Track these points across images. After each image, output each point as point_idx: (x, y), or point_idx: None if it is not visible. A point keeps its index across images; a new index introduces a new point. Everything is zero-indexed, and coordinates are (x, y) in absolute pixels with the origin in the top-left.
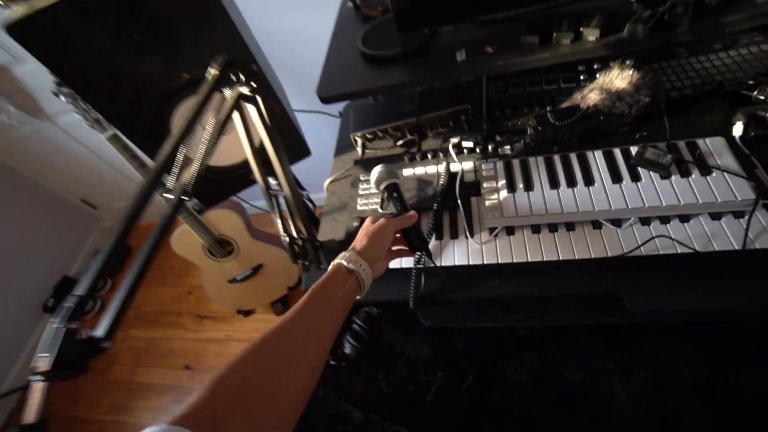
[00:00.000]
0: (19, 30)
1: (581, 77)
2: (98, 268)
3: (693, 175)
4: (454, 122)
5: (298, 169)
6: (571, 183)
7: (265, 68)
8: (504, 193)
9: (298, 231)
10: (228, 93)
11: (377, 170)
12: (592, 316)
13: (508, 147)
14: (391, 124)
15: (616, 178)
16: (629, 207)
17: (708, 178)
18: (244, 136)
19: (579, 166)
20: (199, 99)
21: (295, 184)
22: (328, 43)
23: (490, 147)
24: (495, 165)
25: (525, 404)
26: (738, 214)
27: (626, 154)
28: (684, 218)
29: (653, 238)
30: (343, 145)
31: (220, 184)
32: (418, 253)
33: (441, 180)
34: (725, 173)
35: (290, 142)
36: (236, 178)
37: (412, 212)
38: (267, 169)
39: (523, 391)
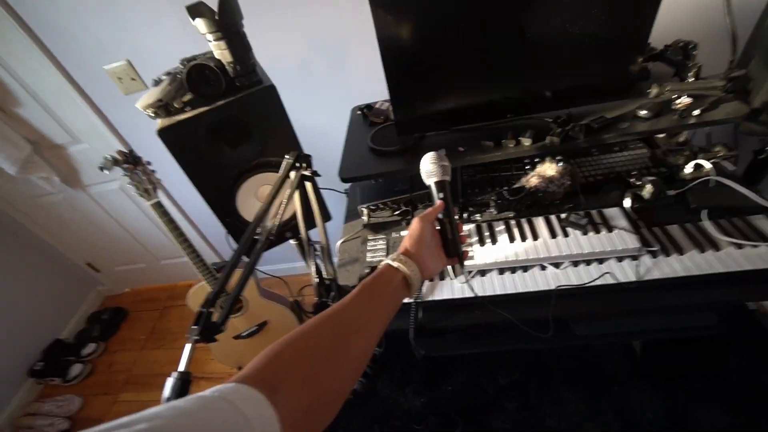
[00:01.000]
0: (165, 134)
1: (526, 167)
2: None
3: (602, 232)
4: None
5: (313, 233)
6: (524, 238)
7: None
8: (477, 247)
9: (328, 272)
10: (293, 174)
11: (429, 158)
12: (549, 341)
13: (478, 215)
14: (391, 198)
15: (553, 234)
16: (562, 254)
17: (612, 234)
18: (298, 204)
19: (528, 227)
20: (279, 178)
21: (326, 238)
22: (344, 140)
23: (465, 215)
24: (470, 229)
25: None
26: (633, 258)
27: (559, 219)
28: (600, 261)
29: (597, 278)
30: (352, 215)
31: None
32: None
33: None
34: (622, 231)
35: (321, 208)
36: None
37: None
38: (308, 225)
39: None
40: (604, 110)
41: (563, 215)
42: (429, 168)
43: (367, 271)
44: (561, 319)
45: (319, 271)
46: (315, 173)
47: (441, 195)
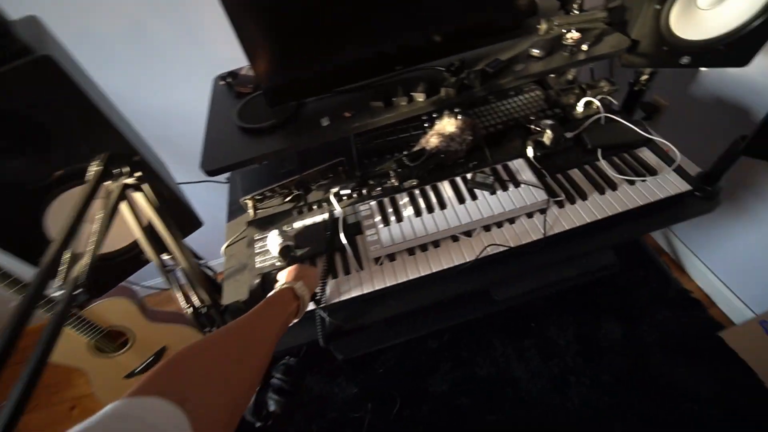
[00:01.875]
0: None
1: (425, 125)
2: None
3: (510, 189)
4: (333, 174)
5: (193, 239)
6: (430, 209)
7: (143, 152)
8: (381, 227)
9: (201, 300)
10: (113, 185)
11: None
12: (472, 312)
13: (379, 188)
14: (277, 183)
15: (461, 200)
16: (473, 219)
17: (520, 189)
18: (133, 222)
19: (434, 195)
20: (82, 196)
21: (191, 255)
22: (206, 120)
23: (364, 191)
24: (370, 205)
25: (453, 410)
26: (542, 211)
27: (465, 180)
28: (511, 221)
29: (490, 245)
30: (235, 210)
31: (106, 271)
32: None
33: (327, 226)
34: (529, 186)
35: (180, 216)
36: (124, 262)
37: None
38: (159, 246)
39: (448, 398)
40: (496, 53)
41: (469, 176)
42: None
43: (257, 281)
44: (479, 290)
45: (188, 301)
46: (142, 178)
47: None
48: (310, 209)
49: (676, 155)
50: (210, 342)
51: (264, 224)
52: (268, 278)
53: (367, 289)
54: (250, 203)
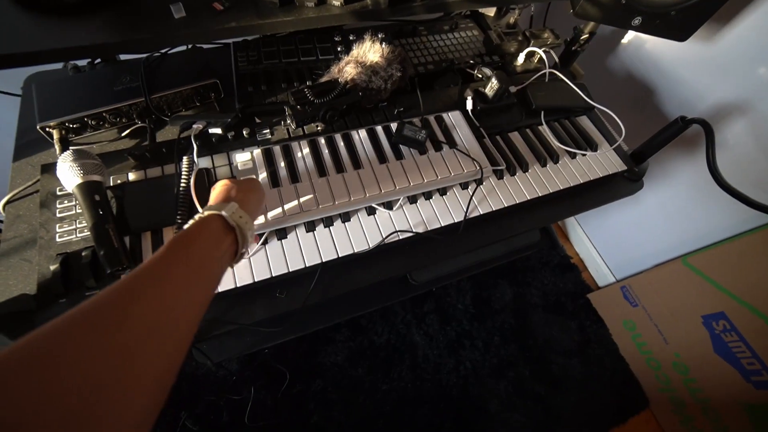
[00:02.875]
0: None
1: (338, 49)
2: None
3: (444, 150)
4: (200, 102)
5: None
6: (340, 169)
7: None
8: (267, 190)
9: None
10: None
11: (65, 158)
12: (385, 299)
13: (267, 131)
14: (108, 107)
15: (381, 158)
16: (397, 188)
17: (455, 152)
18: None
19: (345, 148)
20: None
21: None
22: None
23: (245, 132)
24: (252, 155)
25: (347, 380)
26: (478, 182)
27: (387, 132)
28: (442, 192)
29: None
30: (28, 143)
31: None
32: None
33: (183, 182)
34: (468, 150)
35: None
36: None
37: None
38: None
39: (343, 369)
40: None
41: (394, 126)
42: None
43: (54, 267)
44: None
45: None
46: None
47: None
48: (158, 153)
49: (621, 131)
50: (66, 326)
51: None
52: (75, 262)
53: (243, 281)
54: (56, 134)
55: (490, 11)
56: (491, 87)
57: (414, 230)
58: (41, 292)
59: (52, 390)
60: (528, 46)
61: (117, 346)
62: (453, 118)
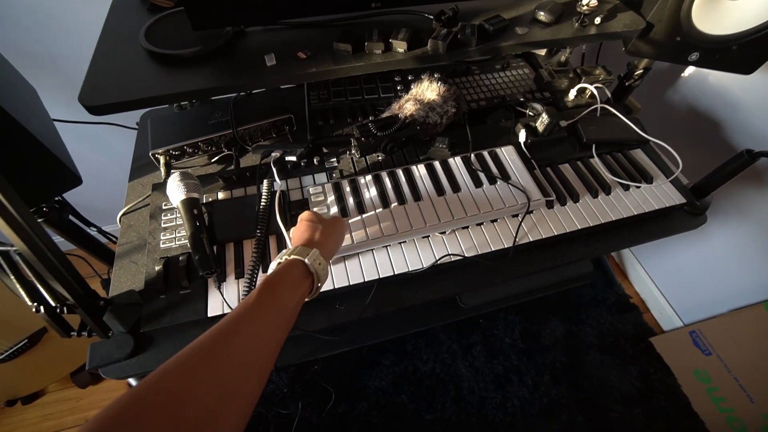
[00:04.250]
0: None
1: (398, 87)
2: None
3: (498, 183)
4: (276, 134)
5: (83, 196)
6: (402, 200)
7: None
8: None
9: (56, 296)
10: None
11: (174, 178)
12: (434, 320)
13: (334, 159)
14: (202, 138)
15: (439, 190)
16: (454, 219)
17: (509, 185)
18: None
19: (406, 181)
20: None
21: (44, 232)
22: (100, 34)
23: (315, 160)
24: (324, 188)
25: (391, 406)
26: (528, 211)
27: (445, 166)
28: (494, 221)
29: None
30: (141, 166)
31: None
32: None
33: (264, 201)
34: (520, 181)
35: (42, 169)
36: None
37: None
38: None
39: (387, 394)
40: (494, 9)
41: (453, 161)
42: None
43: (158, 268)
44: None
45: (37, 298)
46: None
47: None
48: (242, 176)
49: (678, 163)
50: (173, 371)
51: None
52: (173, 265)
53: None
54: (162, 159)
55: (542, 50)
56: (542, 121)
57: (465, 254)
58: (147, 289)
59: (179, 419)
60: (579, 83)
61: (223, 378)
62: (505, 152)
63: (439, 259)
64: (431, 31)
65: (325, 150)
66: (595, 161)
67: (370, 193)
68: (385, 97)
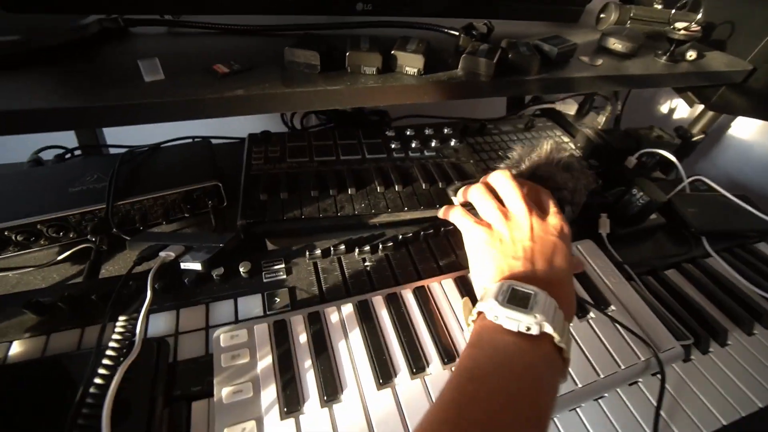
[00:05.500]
0: None
1: (392, 146)
2: None
3: (590, 315)
4: (191, 212)
5: None
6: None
7: None
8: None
9: None
10: None
11: None
12: None
13: (280, 266)
14: (47, 215)
15: None
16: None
17: (614, 321)
18: None
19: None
20: None
21: None
22: None
23: (242, 269)
24: (251, 330)
25: None
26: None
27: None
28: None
29: None
30: None
31: None
32: None
33: (104, 370)
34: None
35: None
36: None
37: None
38: None
39: None
40: (534, 35)
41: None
42: None
43: None
44: None
45: None
46: None
47: None
48: (87, 300)
49: None
50: None
51: None
52: None
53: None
54: None
55: (570, 109)
56: (634, 202)
57: None
58: None
59: None
60: (638, 147)
61: None
62: (584, 251)
63: None
64: (456, 49)
65: (269, 246)
66: (716, 262)
67: (352, 347)
68: (372, 158)
